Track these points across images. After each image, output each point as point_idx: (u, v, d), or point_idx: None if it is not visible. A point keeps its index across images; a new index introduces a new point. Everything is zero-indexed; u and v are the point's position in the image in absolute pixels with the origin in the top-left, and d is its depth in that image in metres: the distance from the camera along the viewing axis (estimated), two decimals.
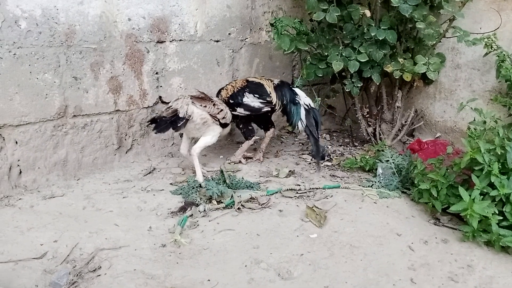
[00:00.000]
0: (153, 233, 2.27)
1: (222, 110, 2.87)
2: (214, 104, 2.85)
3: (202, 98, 2.82)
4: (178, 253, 2.11)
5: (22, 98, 2.60)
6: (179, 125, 2.67)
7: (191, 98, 2.77)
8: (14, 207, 2.48)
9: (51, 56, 2.67)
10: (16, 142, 2.63)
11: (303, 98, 3.06)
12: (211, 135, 2.87)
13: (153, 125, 2.68)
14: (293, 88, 3.11)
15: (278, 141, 3.76)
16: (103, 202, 2.57)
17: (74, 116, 2.84)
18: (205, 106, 2.79)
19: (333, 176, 3.05)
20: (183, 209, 2.48)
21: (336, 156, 3.43)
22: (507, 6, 3.02)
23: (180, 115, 2.68)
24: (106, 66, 2.91)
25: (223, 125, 2.93)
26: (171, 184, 2.84)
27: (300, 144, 3.74)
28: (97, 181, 2.85)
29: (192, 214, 2.42)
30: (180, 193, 2.67)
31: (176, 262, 2.04)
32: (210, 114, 2.81)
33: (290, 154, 3.49)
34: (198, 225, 2.35)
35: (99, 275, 1.92)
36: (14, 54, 2.52)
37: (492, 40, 2.94)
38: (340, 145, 3.73)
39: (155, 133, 2.70)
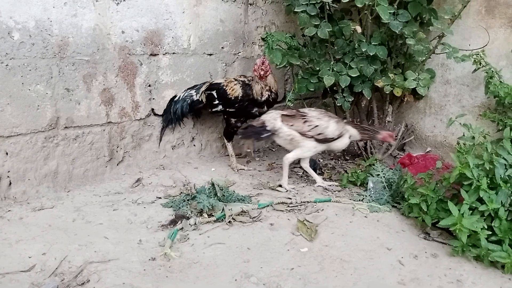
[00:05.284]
0: (143, 246, 2.25)
1: (316, 126, 2.87)
2: (305, 121, 2.87)
3: (292, 116, 2.91)
4: (168, 267, 2.09)
5: (14, 109, 2.59)
6: (262, 136, 2.93)
7: (281, 115, 2.90)
8: (2, 218, 2.46)
9: (44, 68, 2.67)
10: (7, 153, 2.62)
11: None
12: (303, 149, 2.93)
13: (243, 130, 2.99)
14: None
15: (271, 155, 3.77)
16: (93, 214, 2.55)
17: (66, 127, 2.84)
18: (292, 125, 2.87)
19: (324, 189, 3.05)
20: (173, 222, 2.47)
21: (328, 170, 3.45)
22: (495, 23, 3.08)
23: (267, 128, 2.86)
24: (98, 78, 2.92)
25: (323, 141, 2.91)
26: (160, 198, 2.82)
27: None
28: (87, 193, 2.84)
29: (182, 227, 2.42)
30: (171, 206, 2.67)
31: (165, 276, 2.03)
32: (299, 132, 2.87)
33: (282, 167, 3.49)
34: (188, 238, 2.34)
35: None
36: (7, 65, 2.52)
37: (480, 56, 2.99)
38: (332, 159, 3.75)
39: (240, 137, 2.98)
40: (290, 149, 3.00)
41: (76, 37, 2.77)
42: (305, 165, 3.07)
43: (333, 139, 2.92)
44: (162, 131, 3.33)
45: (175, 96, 3.31)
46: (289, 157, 2.94)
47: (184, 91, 3.33)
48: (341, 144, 3.00)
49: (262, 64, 3.05)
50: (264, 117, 2.98)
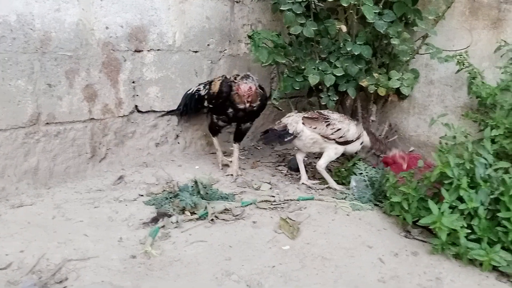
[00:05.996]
0: (124, 244, 2.23)
1: (339, 129, 2.91)
2: (328, 124, 2.90)
3: (314, 119, 2.93)
4: (148, 265, 2.08)
5: None
6: (285, 139, 2.96)
7: (303, 118, 2.92)
8: None
9: (25, 63, 2.63)
10: None
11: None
12: (329, 152, 2.98)
13: (264, 135, 3.02)
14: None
15: (255, 153, 3.76)
16: (73, 211, 2.52)
17: (47, 123, 2.79)
18: (315, 128, 2.90)
19: (308, 187, 3.06)
20: (155, 220, 2.45)
21: (312, 168, 3.45)
22: (478, 25, 3.11)
23: (290, 131, 2.89)
24: (81, 74, 2.88)
25: (344, 143, 2.95)
26: (142, 195, 2.79)
27: (277, 155, 3.76)
28: (68, 190, 2.80)
29: (164, 225, 2.40)
30: (153, 204, 2.64)
31: (145, 274, 2.01)
32: (321, 135, 2.89)
33: (266, 165, 3.50)
34: (170, 236, 2.32)
35: (65, 287, 1.88)
36: None
37: (464, 57, 3.03)
38: (316, 157, 3.74)
39: (263, 143, 3.02)
40: (305, 152, 3.07)
41: (59, 32, 2.73)
42: (300, 157, 3.10)
43: (352, 141, 2.98)
44: (167, 114, 3.38)
45: (189, 90, 3.38)
46: (322, 164, 2.99)
47: (197, 86, 3.38)
48: (353, 147, 3.04)
49: (249, 95, 2.87)
50: (285, 120, 3.00)
